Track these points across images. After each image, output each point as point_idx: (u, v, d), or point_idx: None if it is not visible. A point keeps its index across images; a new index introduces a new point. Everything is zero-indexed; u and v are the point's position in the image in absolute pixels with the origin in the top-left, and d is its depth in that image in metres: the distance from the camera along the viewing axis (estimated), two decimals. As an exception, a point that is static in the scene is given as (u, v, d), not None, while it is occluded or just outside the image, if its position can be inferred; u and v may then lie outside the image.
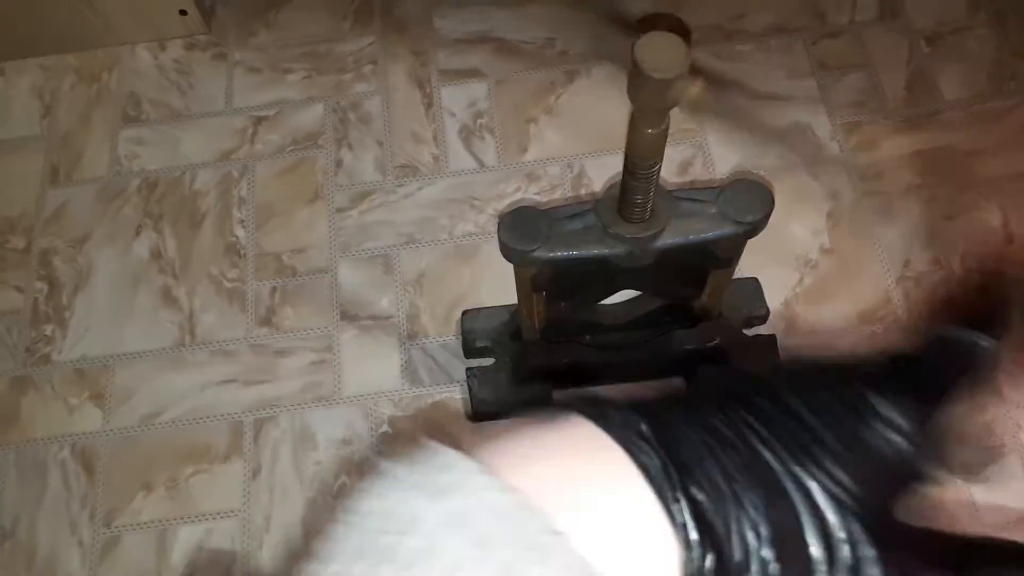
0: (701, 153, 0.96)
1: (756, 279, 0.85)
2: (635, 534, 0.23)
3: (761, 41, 1.03)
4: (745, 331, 0.84)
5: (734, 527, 0.23)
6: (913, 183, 0.93)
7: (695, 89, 0.44)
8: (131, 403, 0.87)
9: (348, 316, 0.90)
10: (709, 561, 0.22)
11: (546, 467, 0.24)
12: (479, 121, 1.00)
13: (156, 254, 0.95)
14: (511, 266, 0.62)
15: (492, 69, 1.04)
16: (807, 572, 0.23)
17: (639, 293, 0.78)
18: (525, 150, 0.98)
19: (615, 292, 0.73)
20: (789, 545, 0.23)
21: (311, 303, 0.91)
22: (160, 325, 0.91)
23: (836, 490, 0.24)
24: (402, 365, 0.87)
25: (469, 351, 0.85)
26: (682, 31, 0.41)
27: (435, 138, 1.00)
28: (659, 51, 0.43)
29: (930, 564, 0.25)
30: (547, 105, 1.00)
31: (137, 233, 0.96)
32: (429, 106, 1.02)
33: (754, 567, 0.23)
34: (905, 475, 0.26)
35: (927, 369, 0.27)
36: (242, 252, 0.94)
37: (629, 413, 0.25)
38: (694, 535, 0.23)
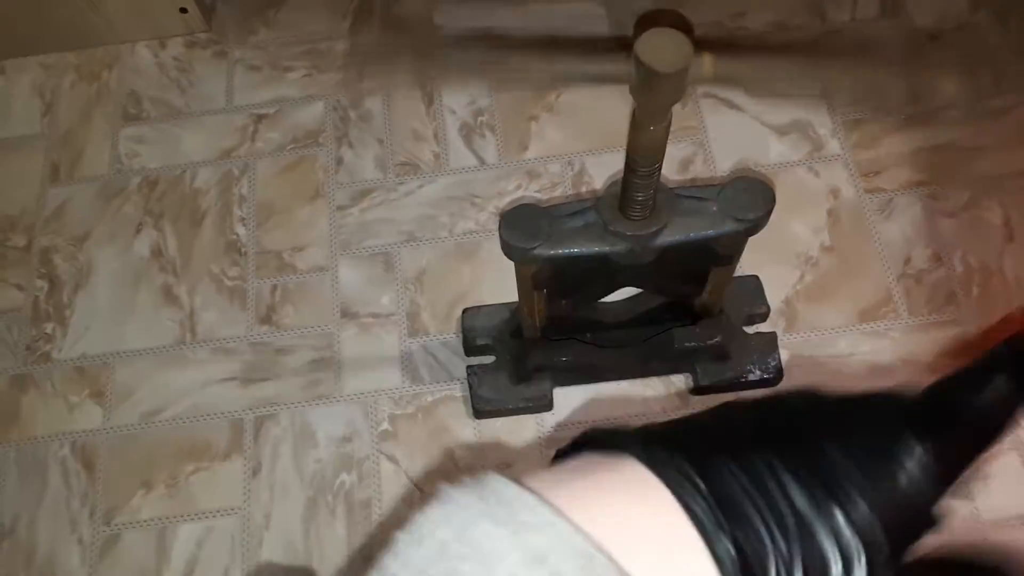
0: (702, 151, 0.96)
1: (757, 277, 0.85)
2: None
3: (762, 38, 1.03)
4: (746, 329, 0.84)
5: (772, 570, 0.24)
6: (914, 180, 0.93)
7: (707, 64, 0.44)
8: (131, 401, 0.87)
9: (349, 314, 0.90)
10: None
11: (606, 510, 0.25)
12: (480, 119, 1.00)
13: (157, 252, 0.95)
14: (512, 264, 0.62)
15: (492, 67, 1.04)
16: None
17: (640, 291, 0.78)
18: (526, 148, 0.98)
19: (616, 290, 0.73)
20: None
21: (312, 301, 0.91)
22: (161, 323, 0.91)
23: (865, 531, 0.25)
24: (402, 363, 0.87)
25: (470, 349, 0.85)
26: (685, 27, 0.41)
27: (436, 136, 1.00)
28: (662, 47, 0.43)
29: None
30: (548, 103, 1.00)
31: (138, 231, 0.96)
32: (430, 104, 1.02)
33: None
34: (927, 521, 0.26)
35: (965, 411, 0.27)
36: (243, 250, 0.94)
37: (677, 456, 0.25)
38: None
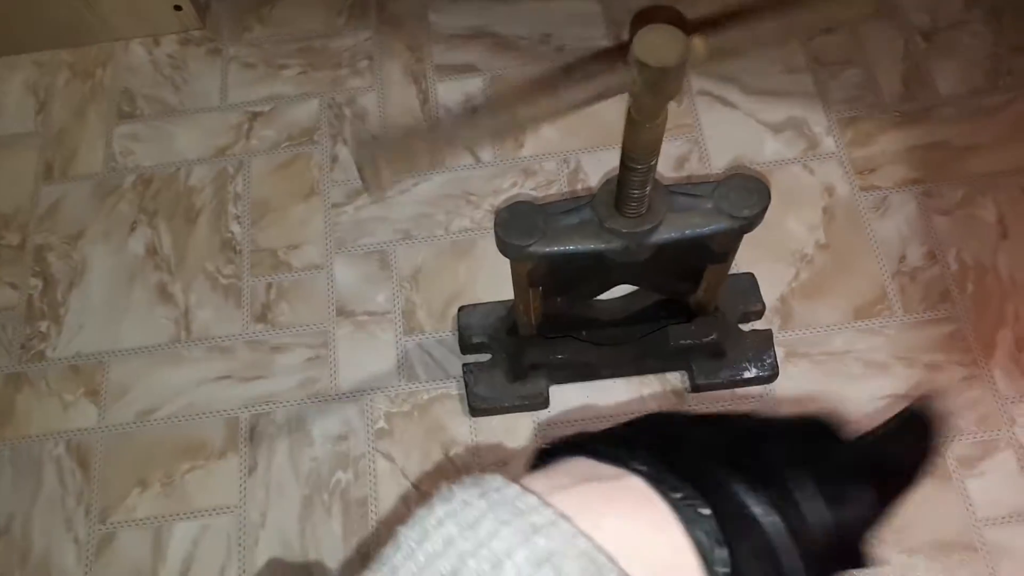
0: (697, 148, 0.96)
1: (752, 274, 0.85)
2: None
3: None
4: (741, 326, 0.84)
5: None
6: (909, 178, 0.93)
7: (699, 46, 0.44)
8: (126, 399, 0.86)
9: (344, 312, 0.90)
10: None
11: (609, 516, 0.25)
12: (475, 117, 1.00)
13: (151, 250, 0.94)
14: (507, 261, 0.62)
15: (487, 64, 1.04)
16: None
17: (635, 288, 0.78)
18: (521, 145, 0.98)
19: (611, 287, 0.73)
20: None
21: (307, 299, 0.91)
22: (155, 321, 0.90)
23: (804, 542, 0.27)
24: (398, 361, 0.87)
25: (465, 347, 0.85)
26: (681, 23, 0.41)
27: (431, 134, 1.00)
28: (656, 43, 0.43)
29: None
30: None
31: (132, 229, 0.96)
32: (424, 102, 1.02)
33: None
34: (857, 555, 0.28)
35: (892, 462, 0.30)
36: (238, 248, 0.94)
37: (684, 484, 0.26)
38: None
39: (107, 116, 1.03)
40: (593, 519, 0.25)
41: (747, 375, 0.81)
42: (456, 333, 0.85)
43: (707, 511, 0.26)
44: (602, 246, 0.58)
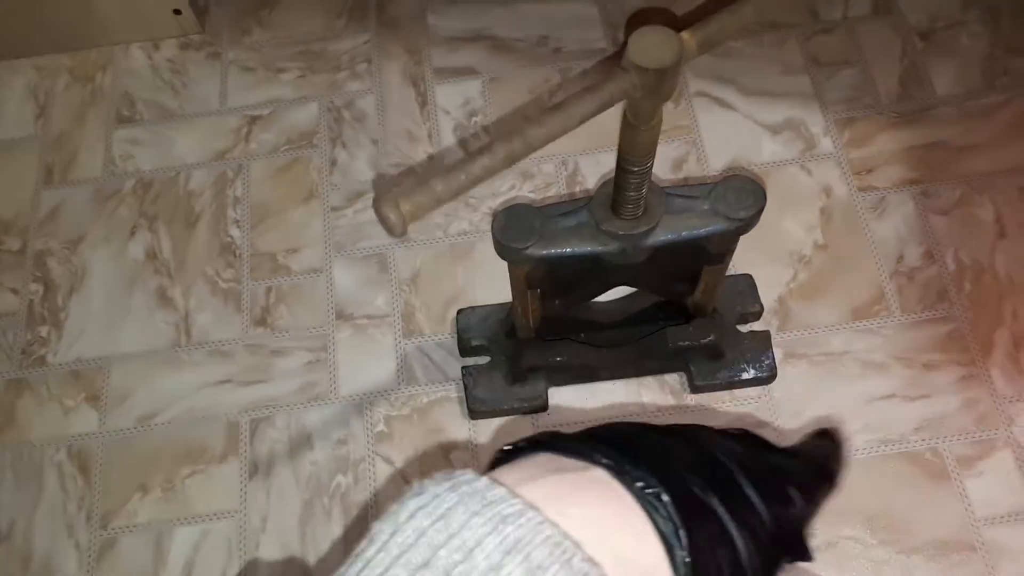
0: (695, 150, 0.97)
1: (750, 275, 0.85)
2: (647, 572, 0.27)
3: (754, 37, 1.03)
4: (739, 327, 0.84)
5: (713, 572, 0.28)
6: (906, 178, 0.93)
7: (689, 41, 0.45)
8: (127, 404, 0.87)
9: (343, 315, 0.90)
10: None
11: (574, 506, 0.26)
12: (474, 119, 1.01)
13: (151, 255, 0.95)
14: (505, 264, 0.62)
15: (486, 67, 1.04)
16: None
17: (633, 290, 0.78)
18: (519, 148, 0.98)
19: (609, 289, 0.73)
20: None
21: (306, 303, 0.91)
22: (156, 326, 0.91)
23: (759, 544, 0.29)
24: (398, 364, 0.87)
25: (464, 350, 0.85)
26: (676, 25, 0.42)
27: (430, 136, 1.00)
28: (650, 45, 0.44)
29: None
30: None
31: (132, 234, 0.96)
32: (423, 104, 1.02)
33: None
34: (803, 546, 0.32)
35: (826, 469, 0.35)
36: (237, 252, 0.94)
37: (645, 475, 0.28)
38: None
39: (107, 120, 1.04)
40: (560, 508, 0.25)
41: (745, 376, 0.81)
42: (455, 336, 0.86)
43: (667, 498, 0.27)
44: (599, 248, 0.59)
